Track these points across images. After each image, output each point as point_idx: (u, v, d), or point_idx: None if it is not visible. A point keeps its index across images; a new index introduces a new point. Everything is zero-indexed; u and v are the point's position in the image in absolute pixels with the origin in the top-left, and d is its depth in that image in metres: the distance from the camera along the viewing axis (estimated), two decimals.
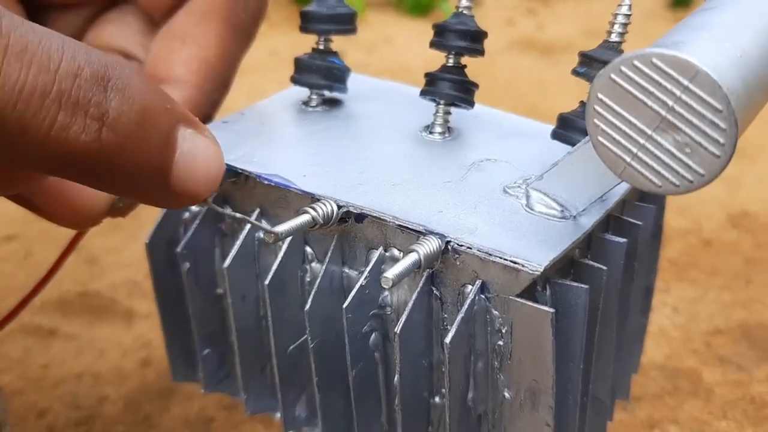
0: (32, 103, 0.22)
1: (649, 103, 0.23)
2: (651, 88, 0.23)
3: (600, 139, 0.25)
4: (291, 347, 0.32)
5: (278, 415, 0.35)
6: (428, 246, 0.27)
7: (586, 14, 1.07)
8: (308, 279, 0.32)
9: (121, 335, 0.55)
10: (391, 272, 0.26)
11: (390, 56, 0.97)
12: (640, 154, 0.24)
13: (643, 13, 1.14)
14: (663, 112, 0.23)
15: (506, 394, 0.29)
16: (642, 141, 0.24)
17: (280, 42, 0.95)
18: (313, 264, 0.32)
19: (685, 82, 0.23)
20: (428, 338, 0.30)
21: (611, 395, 0.35)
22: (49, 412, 0.48)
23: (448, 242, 0.28)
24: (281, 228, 0.28)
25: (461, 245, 0.28)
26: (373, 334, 0.31)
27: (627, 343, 0.35)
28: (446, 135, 0.34)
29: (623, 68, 0.23)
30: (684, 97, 0.23)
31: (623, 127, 0.24)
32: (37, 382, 0.50)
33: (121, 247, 0.64)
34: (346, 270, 0.31)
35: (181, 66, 0.35)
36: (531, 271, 0.27)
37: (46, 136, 0.22)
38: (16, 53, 0.22)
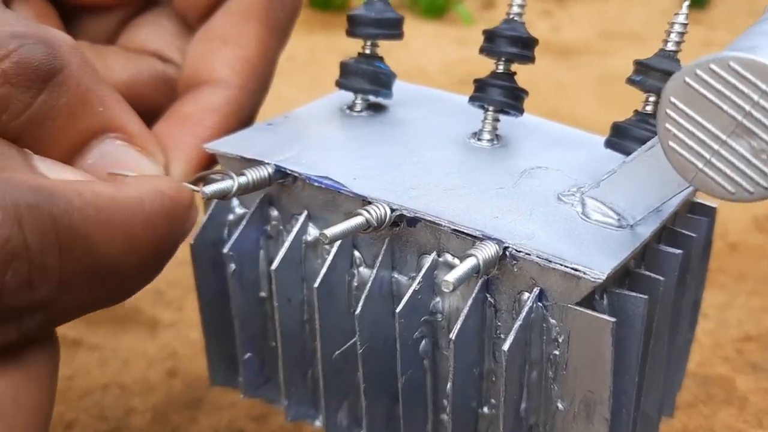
0: None
1: (725, 107, 0.23)
2: (727, 93, 0.23)
3: (671, 144, 0.24)
4: (336, 353, 0.32)
5: (317, 422, 0.34)
6: (486, 251, 0.27)
7: (601, 16, 1.07)
8: (355, 284, 0.32)
9: (145, 345, 0.54)
10: (452, 276, 0.25)
11: (405, 59, 0.96)
12: (713, 160, 0.24)
13: (658, 13, 1.14)
14: (739, 117, 0.23)
15: (560, 405, 0.29)
16: (716, 146, 0.23)
17: (297, 47, 0.94)
18: (361, 268, 0.32)
19: (764, 87, 0.22)
20: (480, 346, 0.29)
21: (659, 411, 0.34)
22: (77, 423, 0.47)
23: (506, 248, 0.27)
24: (334, 230, 0.28)
25: (519, 251, 0.27)
26: (423, 341, 0.30)
27: (675, 358, 0.35)
28: (495, 142, 0.34)
29: (699, 72, 0.23)
30: (762, 101, 0.22)
31: (697, 132, 0.24)
32: (62, 394, 0.49)
33: None
34: (396, 275, 0.31)
35: (224, 67, 0.35)
36: (593, 279, 0.26)
37: None
38: None
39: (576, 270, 0.26)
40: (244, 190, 0.31)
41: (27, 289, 0.22)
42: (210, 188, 0.29)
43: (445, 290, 0.25)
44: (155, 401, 0.49)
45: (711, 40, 1.03)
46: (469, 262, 0.26)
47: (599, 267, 0.26)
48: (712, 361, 0.53)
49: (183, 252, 0.65)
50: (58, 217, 0.22)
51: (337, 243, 0.30)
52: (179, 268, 0.63)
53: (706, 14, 1.15)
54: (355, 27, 0.35)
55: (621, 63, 0.94)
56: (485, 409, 0.31)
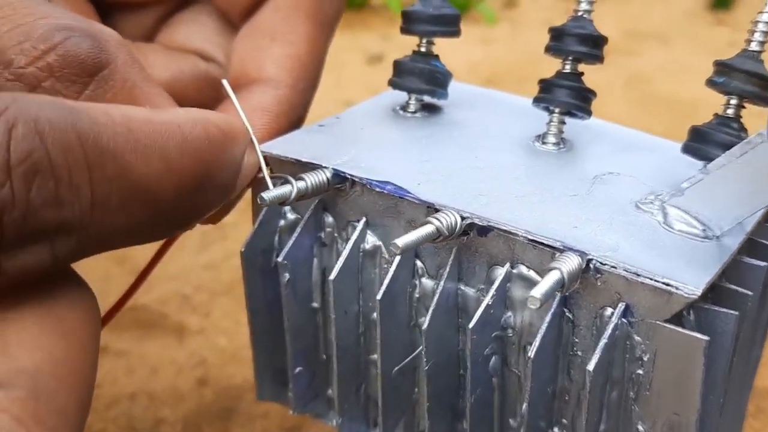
0: None
1: None
2: None
3: None
4: (396, 368, 0.30)
5: None
6: (569, 264, 0.25)
7: (624, 15, 1.05)
8: (417, 295, 0.30)
9: (173, 352, 0.52)
10: (538, 291, 0.24)
11: None
12: None
13: (681, 14, 1.13)
14: None
15: (640, 428, 0.27)
16: None
17: None
18: (423, 279, 0.30)
19: None
20: (555, 364, 0.28)
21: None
22: None
23: (589, 260, 0.25)
24: (406, 240, 0.26)
25: (604, 264, 0.25)
26: (493, 358, 0.28)
27: (749, 376, 0.33)
28: (561, 146, 0.32)
29: None
30: None
31: None
32: None
33: (166, 258, 0.62)
34: (462, 287, 0.29)
35: (273, 65, 0.33)
36: (686, 295, 0.24)
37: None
38: None
39: (668, 285, 0.24)
40: (302, 196, 0.29)
41: (56, 206, 0.21)
42: (269, 194, 0.28)
43: (532, 306, 0.24)
44: (186, 411, 0.47)
45: (737, 41, 1.01)
46: (553, 276, 0.25)
47: (692, 282, 0.24)
48: (761, 373, 0.51)
49: (208, 256, 0.63)
50: (83, 133, 0.21)
51: None
52: (205, 272, 0.61)
53: (730, 15, 1.13)
54: (411, 24, 0.34)
55: (648, 63, 0.93)
56: (555, 430, 0.29)
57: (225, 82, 0.30)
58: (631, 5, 1.12)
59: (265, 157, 0.31)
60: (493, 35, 0.97)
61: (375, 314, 0.30)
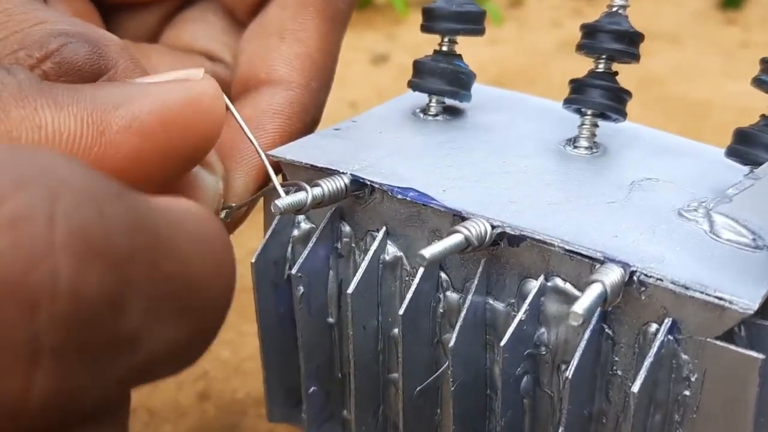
0: None
1: None
2: None
3: None
4: (418, 388, 0.28)
5: None
6: (612, 276, 0.23)
7: (633, 15, 1.04)
8: (441, 309, 0.28)
9: None
10: (580, 306, 0.22)
11: None
12: None
13: (691, 14, 1.11)
14: None
15: None
16: None
17: None
18: (448, 292, 0.28)
19: None
20: (593, 384, 0.25)
21: None
22: None
23: (633, 272, 0.23)
24: (433, 250, 0.24)
25: (650, 276, 0.23)
26: (525, 378, 0.26)
27: None
28: (594, 150, 0.30)
29: None
30: None
31: None
32: None
33: None
34: (491, 301, 0.27)
35: (284, 65, 0.31)
36: (742, 310, 0.22)
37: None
38: None
39: (721, 299, 0.22)
40: (317, 204, 0.27)
41: (116, 310, 0.15)
42: (283, 201, 0.26)
43: (574, 323, 0.21)
44: (187, 428, 0.45)
45: (748, 41, 0.99)
46: (596, 290, 0.22)
47: (748, 296, 0.22)
48: None
49: None
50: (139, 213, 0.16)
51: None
52: None
53: (742, 14, 1.11)
54: (432, 21, 0.32)
55: (660, 64, 0.91)
56: None
57: (226, 98, 0.27)
58: (640, 5, 1.10)
59: (277, 163, 0.29)
60: (499, 35, 0.95)
61: (396, 330, 0.28)
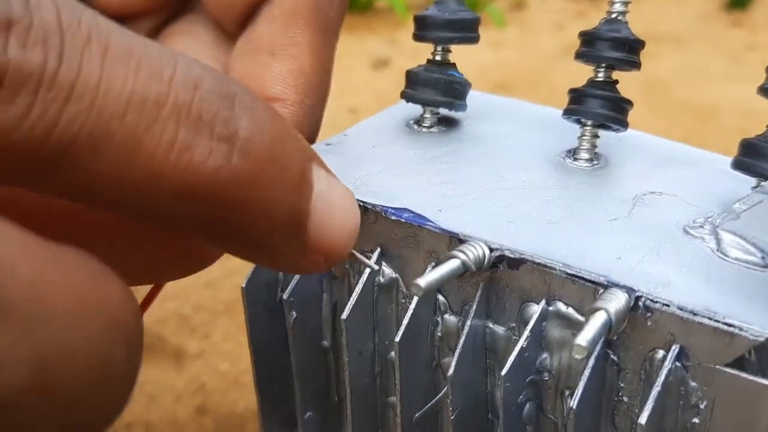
0: (145, 114, 0.16)
1: None
2: None
3: None
4: (417, 415, 0.27)
5: None
6: (616, 302, 0.22)
7: (637, 18, 1.02)
8: (439, 333, 0.27)
9: (171, 378, 0.49)
10: (584, 338, 0.21)
11: None
12: None
13: (696, 15, 1.09)
14: None
15: None
16: None
17: None
18: (446, 315, 0.27)
19: None
20: (598, 411, 0.25)
21: None
22: None
23: (638, 298, 0.22)
24: (428, 279, 0.23)
25: (656, 301, 0.22)
26: (528, 405, 0.25)
27: None
28: (595, 162, 0.29)
29: None
30: None
31: None
32: None
33: None
34: (491, 325, 0.26)
35: (277, 83, 0.30)
36: (753, 337, 0.21)
37: (163, 160, 0.17)
38: (119, 56, 0.16)
39: (730, 325, 0.21)
40: None
41: None
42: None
43: (577, 356, 0.21)
44: None
45: (754, 43, 0.98)
46: (599, 319, 0.21)
47: (758, 322, 0.21)
48: None
49: (207, 273, 0.60)
50: None
51: None
52: (205, 290, 0.58)
53: (748, 16, 1.09)
54: (424, 30, 0.31)
55: (664, 67, 0.89)
56: None
57: None
58: (644, 7, 1.09)
59: None
60: (502, 38, 0.94)
61: (392, 354, 0.27)
